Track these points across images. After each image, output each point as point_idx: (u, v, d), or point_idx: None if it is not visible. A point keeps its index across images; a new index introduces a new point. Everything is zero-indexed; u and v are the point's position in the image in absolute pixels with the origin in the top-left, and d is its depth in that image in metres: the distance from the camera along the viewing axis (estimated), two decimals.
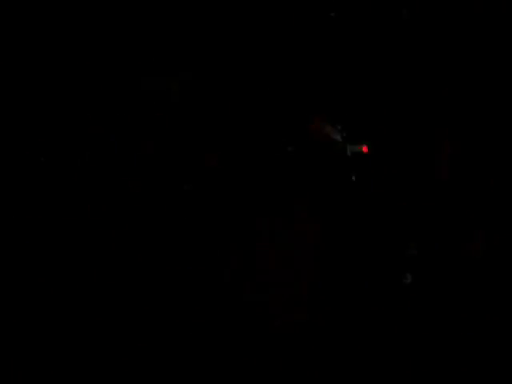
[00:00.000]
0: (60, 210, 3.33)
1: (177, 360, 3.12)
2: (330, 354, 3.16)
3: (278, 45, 3.56)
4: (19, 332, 3.10)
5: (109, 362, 3.09)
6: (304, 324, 3.19)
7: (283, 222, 3.33)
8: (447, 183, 3.40)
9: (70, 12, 3.54)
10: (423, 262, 3.28)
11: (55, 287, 3.19)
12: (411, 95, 3.50)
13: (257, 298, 3.23)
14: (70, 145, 3.44)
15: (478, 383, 3.08)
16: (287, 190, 3.39)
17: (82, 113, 3.48)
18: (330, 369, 3.14)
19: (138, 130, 3.48)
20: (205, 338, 3.16)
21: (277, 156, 3.45)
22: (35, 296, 3.17)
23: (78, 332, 3.12)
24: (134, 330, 3.16)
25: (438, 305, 3.21)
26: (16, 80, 3.49)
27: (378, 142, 3.45)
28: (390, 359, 3.14)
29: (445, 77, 3.49)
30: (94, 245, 3.27)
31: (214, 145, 3.49)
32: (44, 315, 3.14)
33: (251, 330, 3.18)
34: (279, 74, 3.55)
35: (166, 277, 3.25)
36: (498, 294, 3.20)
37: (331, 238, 3.34)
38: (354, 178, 3.39)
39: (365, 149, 3.43)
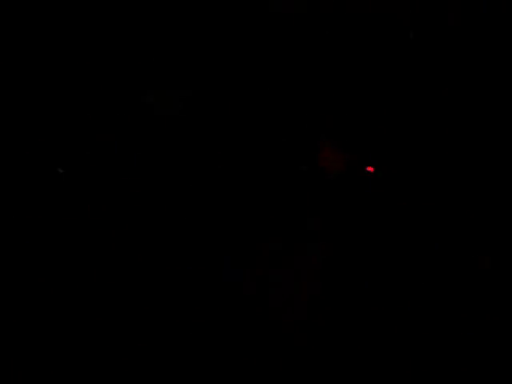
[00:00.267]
0: (60, 210, 3.34)
1: (175, 361, 3.12)
2: (329, 355, 3.16)
3: (283, 63, 3.58)
4: (19, 332, 3.11)
5: (109, 361, 3.09)
6: (303, 324, 3.20)
7: (294, 236, 3.34)
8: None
9: (72, 19, 3.57)
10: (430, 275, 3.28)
11: (55, 287, 3.20)
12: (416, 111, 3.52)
13: (257, 299, 3.23)
14: (71, 151, 3.46)
15: None
16: (300, 208, 3.39)
17: (82, 120, 3.50)
18: (329, 370, 3.14)
19: (140, 141, 3.50)
20: (203, 338, 3.16)
21: (290, 174, 3.46)
22: (35, 296, 3.18)
23: (77, 332, 3.12)
24: (133, 330, 3.16)
25: (439, 309, 3.22)
26: (17, 86, 3.51)
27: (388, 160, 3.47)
28: (390, 362, 3.14)
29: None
30: (94, 245, 3.28)
31: (221, 155, 3.50)
32: (44, 315, 3.15)
33: (250, 330, 3.18)
34: (286, 93, 3.57)
35: (165, 277, 3.26)
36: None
37: (340, 254, 3.34)
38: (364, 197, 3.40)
39: (370, 169, 3.44)
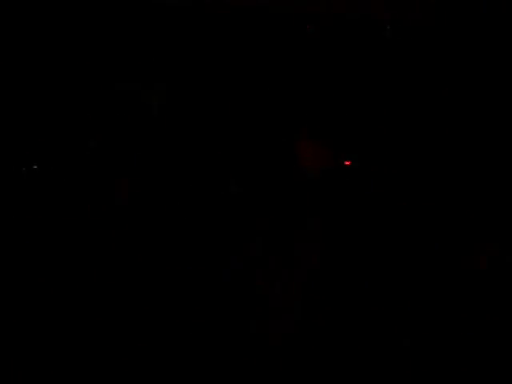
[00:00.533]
0: (60, 210, 3.34)
1: (175, 361, 3.13)
2: (318, 365, 3.14)
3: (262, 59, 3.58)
4: (19, 332, 3.11)
5: (109, 361, 3.09)
6: (293, 336, 3.18)
7: (293, 236, 3.33)
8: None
9: (53, 17, 3.58)
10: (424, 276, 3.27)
11: (55, 287, 3.20)
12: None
13: (257, 299, 3.23)
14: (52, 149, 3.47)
15: None
16: (301, 207, 3.38)
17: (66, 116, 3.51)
18: (329, 370, 3.14)
19: (120, 137, 3.50)
20: (203, 338, 3.16)
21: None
22: (35, 296, 3.18)
23: (77, 332, 3.12)
24: (133, 330, 3.16)
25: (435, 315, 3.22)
26: (17, 87, 3.52)
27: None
28: (390, 362, 3.14)
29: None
30: (94, 245, 3.28)
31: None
32: (44, 315, 3.15)
33: (250, 330, 3.18)
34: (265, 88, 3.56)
35: (165, 277, 3.26)
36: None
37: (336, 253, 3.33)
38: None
39: (347, 163, 3.44)
